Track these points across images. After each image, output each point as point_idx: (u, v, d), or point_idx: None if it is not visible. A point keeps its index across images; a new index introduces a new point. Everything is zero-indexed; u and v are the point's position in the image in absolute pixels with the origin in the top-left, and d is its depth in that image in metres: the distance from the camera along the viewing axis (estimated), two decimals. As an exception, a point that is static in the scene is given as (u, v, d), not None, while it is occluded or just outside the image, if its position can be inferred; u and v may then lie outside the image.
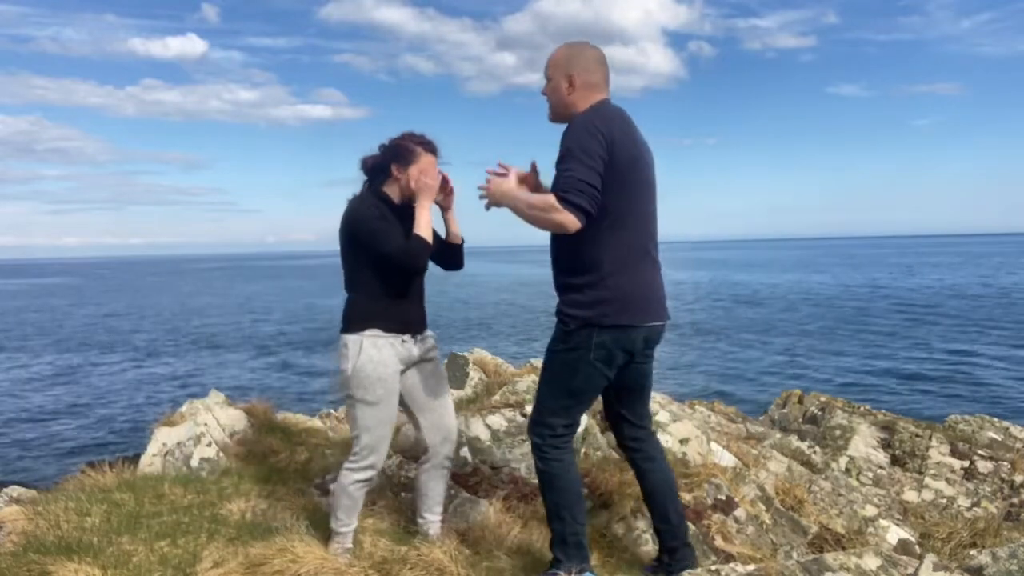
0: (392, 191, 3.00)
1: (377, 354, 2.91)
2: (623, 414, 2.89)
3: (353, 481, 2.98)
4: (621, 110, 2.67)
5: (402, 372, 3.05)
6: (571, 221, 2.44)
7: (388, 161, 2.98)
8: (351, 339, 2.94)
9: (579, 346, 2.61)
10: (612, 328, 2.58)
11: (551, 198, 2.47)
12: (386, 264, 2.89)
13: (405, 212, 2.97)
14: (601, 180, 2.47)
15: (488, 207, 2.77)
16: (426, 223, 2.91)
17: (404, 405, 3.18)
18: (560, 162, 2.52)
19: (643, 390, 2.90)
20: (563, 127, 2.65)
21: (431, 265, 3.06)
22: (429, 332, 3.18)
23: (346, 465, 3.00)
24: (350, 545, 3.05)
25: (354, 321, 2.96)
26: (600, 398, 2.92)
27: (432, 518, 3.20)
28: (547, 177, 2.75)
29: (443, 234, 3.18)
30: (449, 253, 3.19)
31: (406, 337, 3.01)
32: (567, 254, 2.64)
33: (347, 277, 3.02)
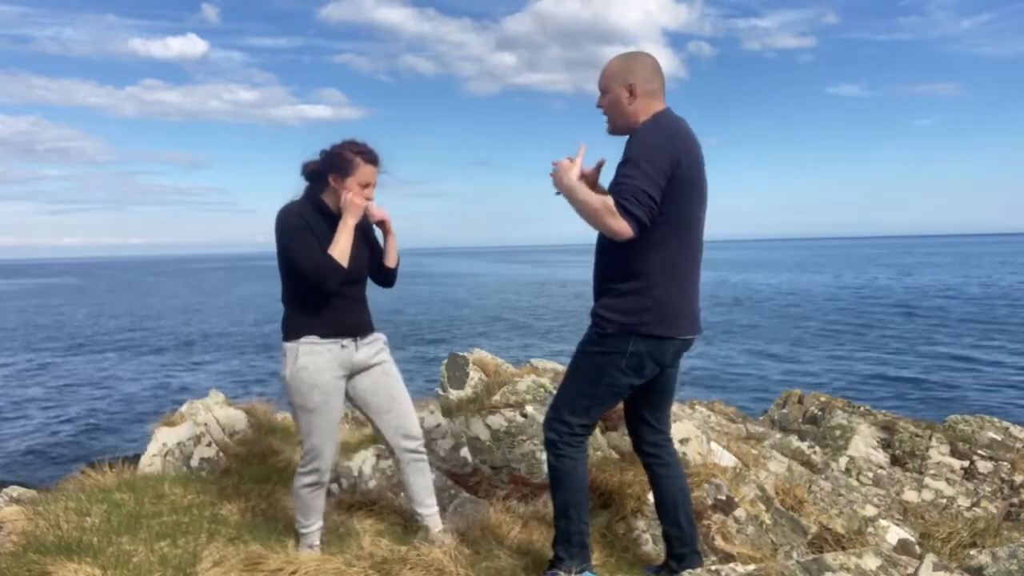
0: (330, 200, 2.96)
1: (312, 361, 2.90)
2: (645, 417, 2.88)
3: (301, 485, 3.03)
4: (683, 120, 2.65)
5: (349, 378, 3.04)
6: (625, 229, 2.42)
7: (325, 170, 2.91)
8: (288, 347, 2.94)
9: (613, 351, 2.60)
10: (648, 338, 2.58)
11: (610, 201, 2.43)
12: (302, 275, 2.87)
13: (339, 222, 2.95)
14: (661, 193, 2.46)
15: (557, 192, 2.71)
16: (343, 244, 2.86)
17: (360, 411, 3.19)
18: (622, 167, 2.49)
19: (668, 394, 2.90)
20: (622, 139, 2.63)
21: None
22: (377, 335, 3.14)
23: (297, 469, 3.06)
24: (316, 543, 3.09)
25: (290, 329, 2.96)
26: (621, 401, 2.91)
27: (425, 511, 3.21)
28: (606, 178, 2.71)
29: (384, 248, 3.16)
30: (382, 273, 3.18)
31: (346, 342, 2.97)
32: (616, 259, 2.61)
33: (282, 283, 3.01)
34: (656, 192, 2.44)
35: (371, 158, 2.92)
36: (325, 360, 2.93)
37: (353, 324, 3.01)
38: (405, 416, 3.14)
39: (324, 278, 2.83)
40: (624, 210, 2.41)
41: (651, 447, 2.91)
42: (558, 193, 2.69)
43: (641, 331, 2.56)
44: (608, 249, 2.64)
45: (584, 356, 2.70)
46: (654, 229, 2.51)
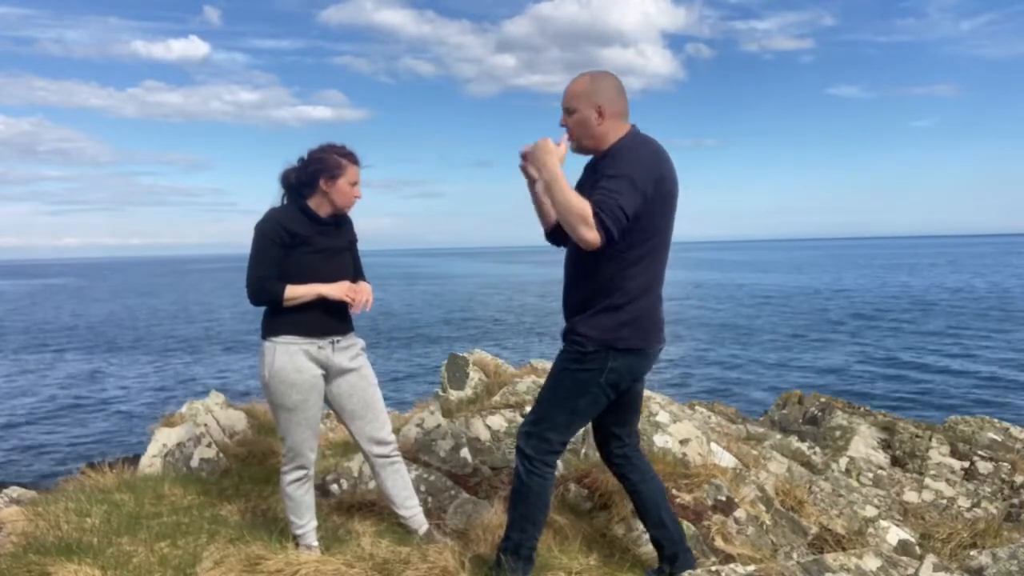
0: (318, 205, 3.00)
1: (290, 360, 2.94)
2: (614, 432, 2.92)
3: (288, 482, 3.10)
4: (659, 143, 2.68)
5: (327, 379, 3.07)
6: (595, 241, 2.41)
7: (316, 176, 2.96)
8: (266, 346, 2.98)
9: (593, 367, 2.63)
10: (627, 352, 2.62)
11: (588, 209, 2.41)
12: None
13: (328, 228, 3.01)
14: (636, 212, 2.47)
15: (524, 165, 2.69)
16: (301, 294, 2.91)
17: (335, 414, 3.24)
18: (609, 179, 2.47)
19: (635, 409, 2.96)
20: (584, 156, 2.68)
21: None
22: (355, 339, 3.17)
23: (281, 469, 3.12)
24: (314, 543, 3.11)
25: (268, 328, 2.99)
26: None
27: (406, 512, 3.25)
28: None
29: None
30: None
31: (323, 343, 3.01)
32: (595, 276, 2.62)
33: None
34: (633, 211, 2.46)
35: (355, 159, 3.04)
36: (303, 360, 2.96)
37: (331, 325, 3.04)
38: (377, 422, 3.19)
39: (256, 299, 2.93)
40: (601, 223, 2.40)
41: (622, 459, 2.95)
42: (524, 165, 2.66)
43: (620, 346, 2.60)
44: (587, 266, 2.64)
45: (565, 373, 2.70)
46: (638, 246, 2.54)
